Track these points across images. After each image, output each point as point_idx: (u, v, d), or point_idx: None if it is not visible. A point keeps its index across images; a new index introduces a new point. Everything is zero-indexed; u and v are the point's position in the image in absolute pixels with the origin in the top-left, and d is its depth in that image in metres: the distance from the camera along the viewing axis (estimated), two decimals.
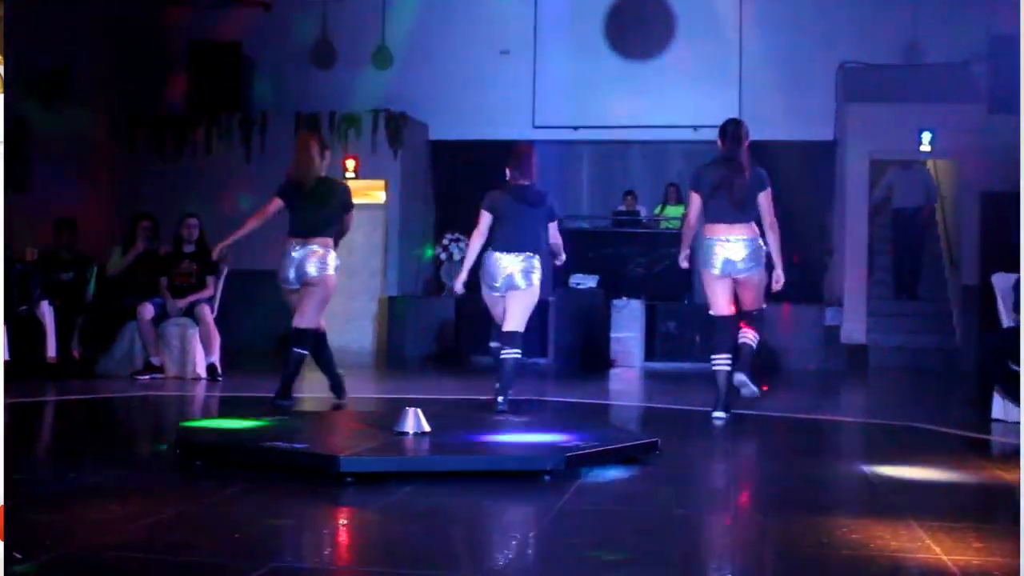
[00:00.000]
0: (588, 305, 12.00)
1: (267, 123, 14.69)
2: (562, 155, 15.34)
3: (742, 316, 7.37)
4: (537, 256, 7.48)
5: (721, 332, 7.29)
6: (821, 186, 14.53)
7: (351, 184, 15.22)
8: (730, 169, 7.20)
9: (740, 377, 7.19)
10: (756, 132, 14.46)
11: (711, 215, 7.23)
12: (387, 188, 14.73)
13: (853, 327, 13.46)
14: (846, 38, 14.35)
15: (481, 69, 15.22)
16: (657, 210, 14.37)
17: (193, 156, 14.78)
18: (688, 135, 14.83)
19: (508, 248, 7.44)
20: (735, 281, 7.25)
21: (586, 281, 12.45)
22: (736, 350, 7.25)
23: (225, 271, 10.02)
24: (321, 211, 7.46)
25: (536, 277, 7.44)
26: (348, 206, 7.61)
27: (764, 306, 7.43)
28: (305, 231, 7.41)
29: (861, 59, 14.24)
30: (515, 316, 7.41)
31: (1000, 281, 7.64)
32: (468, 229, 14.14)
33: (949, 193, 14.71)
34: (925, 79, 13.85)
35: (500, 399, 7.20)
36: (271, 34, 15.62)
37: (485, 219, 7.64)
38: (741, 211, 7.18)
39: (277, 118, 14.70)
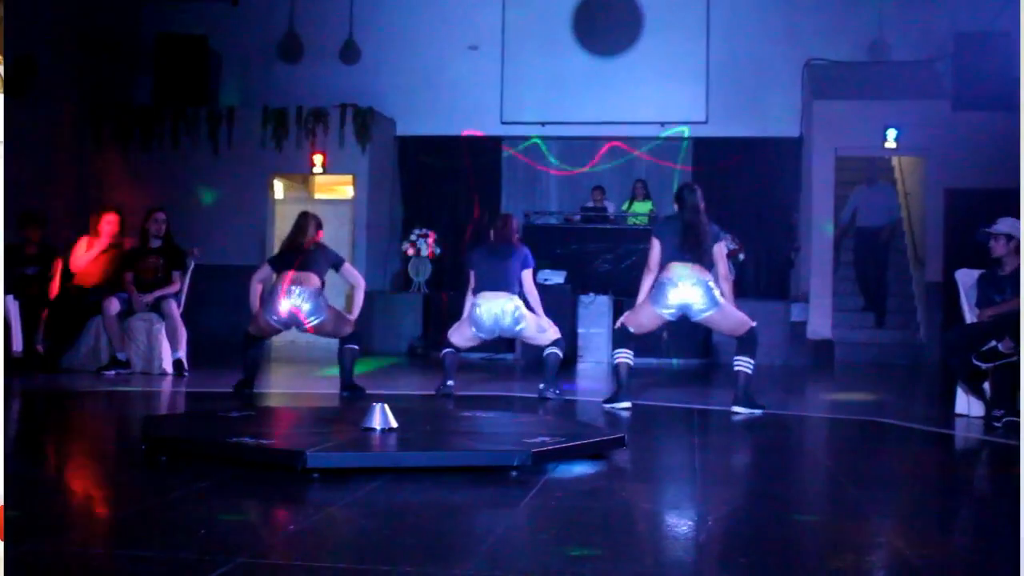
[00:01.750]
0: (555, 301, 12.00)
1: (234, 117, 14.62)
2: (530, 151, 15.38)
3: (738, 339, 7.52)
4: (515, 296, 8.13)
5: (631, 339, 7.69)
6: (787, 183, 14.61)
7: (317, 180, 15.31)
8: (693, 235, 7.47)
9: (739, 411, 7.36)
10: (723, 129, 14.70)
11: (667, 258, 7.50)
12: (354, 183, 14.69)
13: (819, 323, 13.53)
14: (812, 35, 14.42)
15: (449, 65, 15.21)
16: (625, 206, 14.40)
17: (160, 150, 14.69)
18: (656, 131, 14.89)
19: (487, 288, 8.10)
20: (703, 323, 7.58)
21: (553, 277, 12.46)
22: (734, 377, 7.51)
23: (192, 266, 9.97)
24: (311, 264, 8.08)
25: (523, 311, 8.13)
26: (339, 262, 8.28)
27: (754, 324, 7.55)
28: (297, 268, 8.03)
29: (827, 56, 14.32)
30: (537, 339, 8.25)
31: (963, 277, 7.71)
32: (435, 225, 14.30)
33: (914, 190, 14.81)
34: (890, 76, 13.93)
35: (541, 386, 8.13)
36: (238, 28, 15.56)
37: (471, 277, 8.30)
38: (697, 258, 7.45)
39: (244, 112, 14.64)
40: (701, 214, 7.54)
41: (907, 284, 14.56)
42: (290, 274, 7.91)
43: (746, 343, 7.48)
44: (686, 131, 14.77)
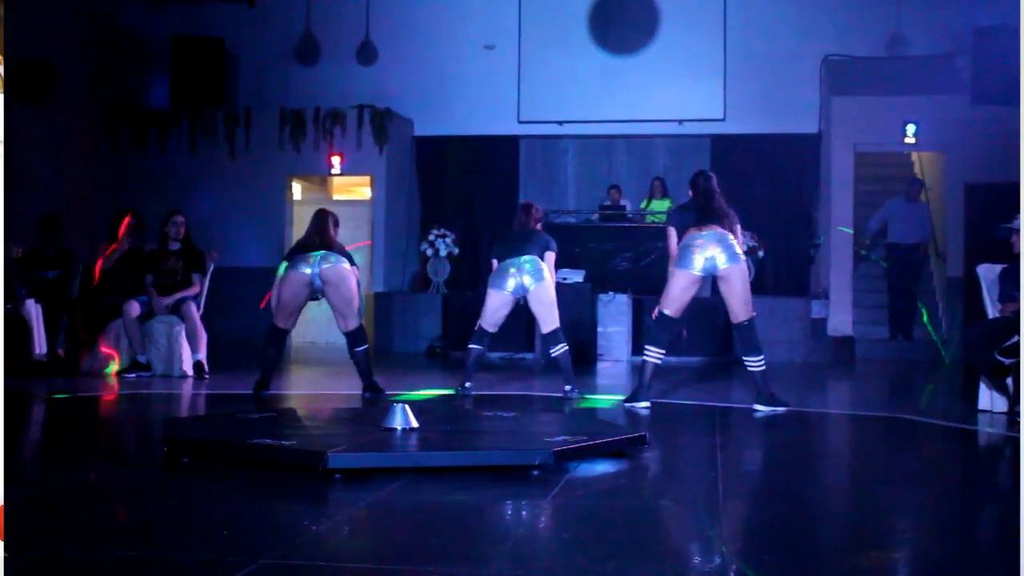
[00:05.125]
0: (575, 300, 11.99)
1: (251, 119, 14.65)
2: (547, 150, 15.37)
3: (737, 331, 7.46)
4: (538, 259, 8.15)
5: (667, 331, 7.57)
6: (806, 179, 14.56)
7: (335, 181, 15.33)
8: (711, 211, 7.46)
9: (761, 410, 7.31)
10: (741, 126, 14.66)
11: (687, 229, 7.46)
12: (372, 184, 14.72)
13: (839, 319, 13.49)
14: (830, 31, 14.37)
15: (466, 64, 15.21)
16: (643, 204, 14.38)
17: (177, 153, 14.73)
18: (673, 129, 14.86)
19: (510, 255, 8.18)
20: (719, 279, 7.43)
21: (572, 276, 12.45)
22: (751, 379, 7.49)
23: (211, 268, 9.99)
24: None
25: (545, 274, 8.11)
26: (349, 259, 8.13)
27: (754, 314, 7.47)
28: (315, 248, 8.00)
29: (845, 52, 14.27)
30: (544, 316, 8.19)
31: (985, 272, 7.65)
32: (454, 225, 14.30)
33: (934, 185, 14.74)
34: (909, 71, 13.87)
35: (568, 387, 8.10)
36: (255, 30, 15.58)
37: (495, 265, 8.33)
38: (717, 222, 7.42)
39: (261, 114, 14.67)
40: (716, 195, 7.52)
41: (928, 280, 14.48)
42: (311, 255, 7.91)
43: (747, 337, 7.44)
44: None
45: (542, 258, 8.21)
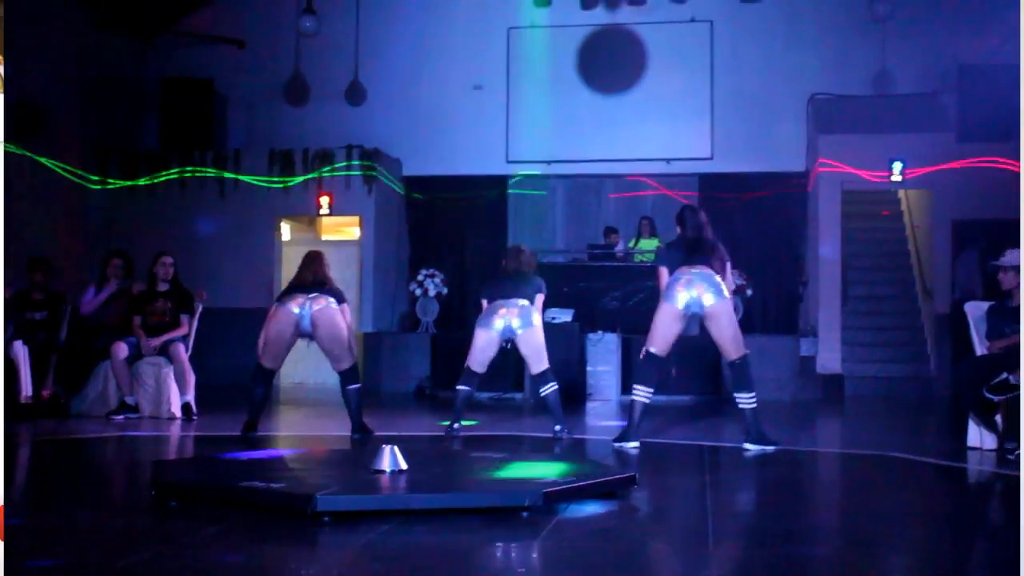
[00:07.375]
0: (563, 339, 11.97)
1: (240, 160, 14.66)
2: (536, 189, 15.40)
3: (730, 368, 7.48)
4: (528, 304, 8.14)
5: (655, 369, 7.56)
6: (794, 217, 14.61)
7: (324, 221, 15.32)
8: (699, 248, 7.52)
9: (751, 449, 7.30)
10: (728, 164, 14.73)
11: (676, 267, 7.50)
12: (361, 224, 14.72)
13: (828, 357, 13.49)
14: (816, 70, 14.46)
15: (454, 104, 15.26)
16: (631, 244, 14.40)
17: (166, 193, 14.72)
18: (661, 168, 14.91)
19: (500, 297, 8.17)
20: (706, 318, 7.42)
21: (561, 315, 12.44)
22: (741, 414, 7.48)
23: (200, 309, 9.97)
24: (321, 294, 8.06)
25: (534, 319, 8.10)
26: (341, 296, 8.17)
27: (747, 351, 7.47)
28: (305, 290, 8.03)
29: (831, 90, 14.36)
30: (533, 358, 8.13)
31: (973, 309, 7.68)
32: (443, 265, 14.29)
33: (921, 221, 14.81)
34: (895, 109, 13.96)
35: (557, 427, 8.05)
36: (244, 71, 15.62)
37: (485, 306, 8.30)
38: (705, 263, 7.45)
39: (250, 155, 14.68)
40: (704, 229, 7.58)
41: (916, 316, 14.53)
42: (301, 295, 7.93)
43: (740, 374, 7.45)
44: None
45: (533, 301, 8.21)
